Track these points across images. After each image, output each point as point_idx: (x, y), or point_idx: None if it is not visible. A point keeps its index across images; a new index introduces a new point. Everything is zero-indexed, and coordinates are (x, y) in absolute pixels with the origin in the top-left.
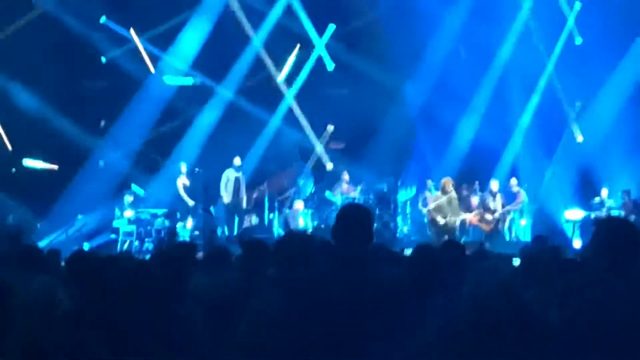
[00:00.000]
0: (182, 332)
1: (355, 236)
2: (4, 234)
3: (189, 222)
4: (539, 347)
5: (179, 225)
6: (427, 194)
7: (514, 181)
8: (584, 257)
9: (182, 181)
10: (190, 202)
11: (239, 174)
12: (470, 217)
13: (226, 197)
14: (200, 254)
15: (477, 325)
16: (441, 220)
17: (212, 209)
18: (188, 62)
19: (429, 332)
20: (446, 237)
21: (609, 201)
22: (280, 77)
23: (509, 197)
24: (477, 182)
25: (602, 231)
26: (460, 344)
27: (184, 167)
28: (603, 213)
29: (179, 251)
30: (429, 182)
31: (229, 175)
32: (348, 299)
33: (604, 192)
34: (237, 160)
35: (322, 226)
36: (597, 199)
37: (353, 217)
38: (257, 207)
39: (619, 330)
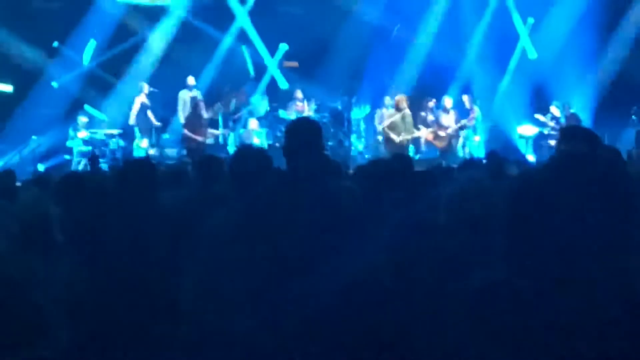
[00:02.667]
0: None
1: (305, 149)
2: None
3: (144, 142)
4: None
5: (135, 143)
6: (384, 110)
7: (465, 98)
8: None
9: (142, 100)
10: (152, 119)
11: (195, 93)
12: (425, 134)
13: (182, 117)
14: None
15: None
16: (395, 138)
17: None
18: None
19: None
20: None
21: (561, 116)
22: None
23: (463, 114)
24: (433, 99)
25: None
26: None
27: (146, 87)
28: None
29: (140, 168)
30: (387, 99)
31: (184, 97)
32: (301, 214)
33: (553, 109)
34: (190, 80)
35: (277, 144)
36: (548, 115)
37: (302, 130)
38: (211, 126)
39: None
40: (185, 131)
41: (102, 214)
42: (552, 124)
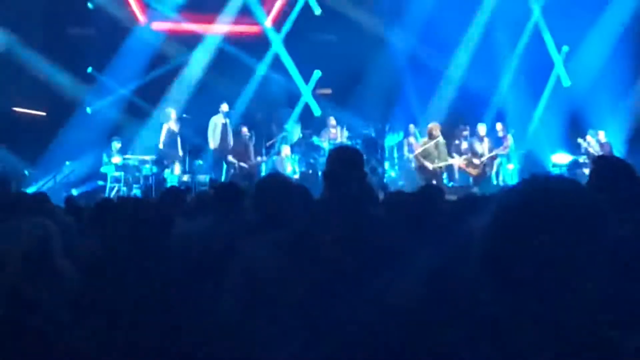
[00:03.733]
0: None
1: (347, 177)
2: None
3: (177, 168)
4: None
5: (167, 171)
6: (412, 139)
7: (499, 126)
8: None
9: (170, 126)
10: (179, 147)
11: (226, 120)
12: (458, 162)
13: (212, 142)
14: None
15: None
16: (429, 166)
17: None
18: (175, 8)
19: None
20: (434, 182)
21: (595, 145)
22: (268, 22)
23: (497, 142)
24: (467, 127)
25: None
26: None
27: (173, 113)
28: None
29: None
30: (412, 127)
31: (216, 122)
32: (341, 240)
33: (589, 137)
34: (224, 107)
35: (310, 172)
36: (583, 143)
37: (345, 157)
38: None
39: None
40: (230, 158)
41: (131, 243)
42: (592, 149)
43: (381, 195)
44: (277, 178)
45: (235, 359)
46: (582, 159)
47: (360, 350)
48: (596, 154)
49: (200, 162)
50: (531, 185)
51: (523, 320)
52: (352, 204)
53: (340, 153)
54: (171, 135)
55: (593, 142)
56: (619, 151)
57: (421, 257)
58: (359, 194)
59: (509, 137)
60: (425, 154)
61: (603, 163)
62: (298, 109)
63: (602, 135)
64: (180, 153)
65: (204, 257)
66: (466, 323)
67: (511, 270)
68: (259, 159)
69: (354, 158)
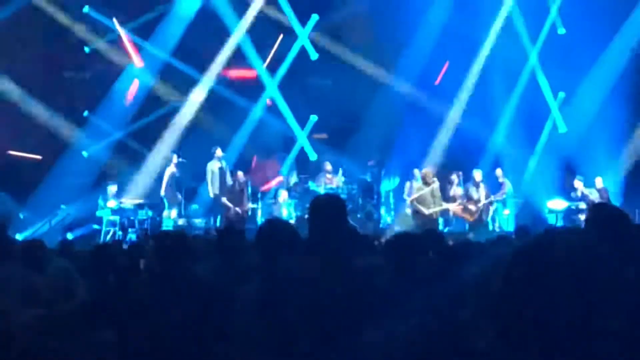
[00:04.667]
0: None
1: (328, 226)
2: None
3: (173, 212)
4: None
5: (164, 215)
6: (414, 183)
7: (499, 172)
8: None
9: (171, 170)
10: (178, 196)
11: (222, 164)
12: (454, 208)
13: (212, 191)
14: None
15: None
16: (425, 211)
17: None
18: (169, 51)
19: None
20: (429, 227)
21: (589, 190)
22: (264, 66)
23: (494, 187)
24: (460, 173)
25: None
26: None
27: (175, 158)
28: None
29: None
30: (416, 172)
31: (212, 168)
32: (326, 289)
33: (577, 182)
34: (218, 152)
35: (306, 217)
36: (575, 191)
37: (323, 207)
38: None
39: None
40: (225, 200)
41: (134, 287)
42: (592, 195)
43: (381, 239)
44: (278, 223)
45: None
46: (576, 205)
47: None
48: (594, 200)
49: (196, 206)
50: (542, 238)
51: None
52: (335, 253)
53: (320, 203)
54: (172, 179)
55: (584, 188)
56: (615, 196)
57: (415, 302)
58: (341, 243)
59: (507, 182)
60: (421, 200)
61: (599, 211)
62: (294, 154)
63: (599, 182)
64: (179, 197)
65: (210, 299)
66: None
67: (516, 320)
68: (250, 205)
69: (335, 208)
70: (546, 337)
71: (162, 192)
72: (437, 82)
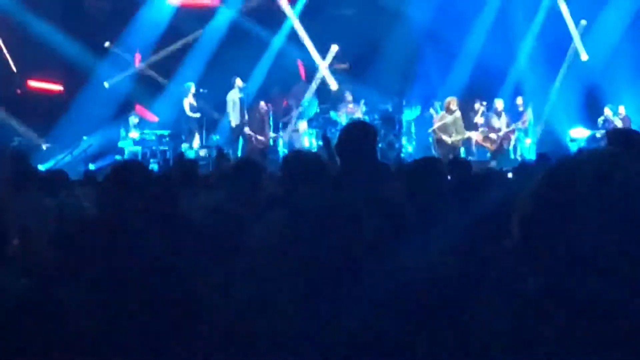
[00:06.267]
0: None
1: (359, 152)
2: (8, 156)
3: (195, 142)
4: None
5: (184, 145)
6: (432, 112)
7: (519, 100)
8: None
9: (190, 101)
10: (199, 126)
11: (243, 94)
12: (476, 136)
13: (233, 120)
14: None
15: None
16: (447, 140)
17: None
18: None
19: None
20: (451, 156)
21: (614, 119)
22: None
23: (515, 116)
24: (484, 102)
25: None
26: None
27: (192, 88)
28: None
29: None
30: (436, 104)
31: (233, 98)
32: (353, 216)
33: (607, 111)
34: (239, 82)
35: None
36: (601, 118)
37: (357, 133)
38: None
39: None
40: (246, 130)
41: (143, 212)
42: (612, 123)
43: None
44: (301, 153)
45: (246, 335)
46: (600, 133)
47: (382, 325)
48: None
49: (217, 136)
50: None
51: (559, 295)
52: (362, 180)
53: (352, 128)
54: (190, 109)
55: (611, 116)
56: (638, 125)
57: (445, 230)
58: (371, 169)
59: (529, 111)
60: (443, 128)
61: (617, 135)
62: (315, 84)
63: (621, 110)
64: (200, 127)
65: (220, 229)
66: (497, 297)
67: (550, 243)
68: (272, 134)
69: (367, 134)
70: (580, 257)
71: (184, 122)
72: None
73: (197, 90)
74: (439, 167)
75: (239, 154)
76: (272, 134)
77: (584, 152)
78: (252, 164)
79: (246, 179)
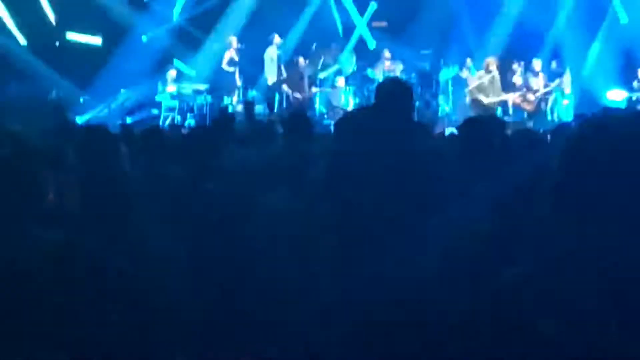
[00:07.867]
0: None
1: (394, 109)
2: (47, 108)
3: (234, 98)
4: None
5: (227, 99)
6: (466, 72)
7: (554, 64)
8: None
9: (231, 54)
10: (237, 77)
11: (280, 52)
12: (513, 97)
13: (270, 78)
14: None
15: None
16: (484, 100)
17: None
18: None
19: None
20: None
21: None
22: None
23: (552, 77)
24: (522, 63)
25: None
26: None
27: (235, 42)
28: None
29: (217, 122)
30: (468, 61)
31: (271, 55)
32: (392, 170)
33: None
34: (277, 38)
35: (364, 104)
36: (636, 81)
37: (393, 90)
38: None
39: None
40: (285, 87)
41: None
42: None
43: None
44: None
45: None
46: (636, 96)
47: (426, 282)
48: None
49: (255, 92)
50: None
51: (592, 255)
52: (401, 136)
53: (389, 85)
54: (231, 63)
55: None
56: None
57: (482, 190)
58: (408, 126)
59: (566, 72)
60: (481, 88)
61: None
62: (353, 41)
63: None
64: (239, 83)
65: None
66: (533, 258)
67: (584, 203)
68: (313, 89)
69: (403, 90)
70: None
71: (222, 77)
72: None
73: (239, 44)
74: (489, 127)
75: (275, 108)
76: (313, 89)
77: (608, 117)
78: (304, 117)
79: (300, 131)
